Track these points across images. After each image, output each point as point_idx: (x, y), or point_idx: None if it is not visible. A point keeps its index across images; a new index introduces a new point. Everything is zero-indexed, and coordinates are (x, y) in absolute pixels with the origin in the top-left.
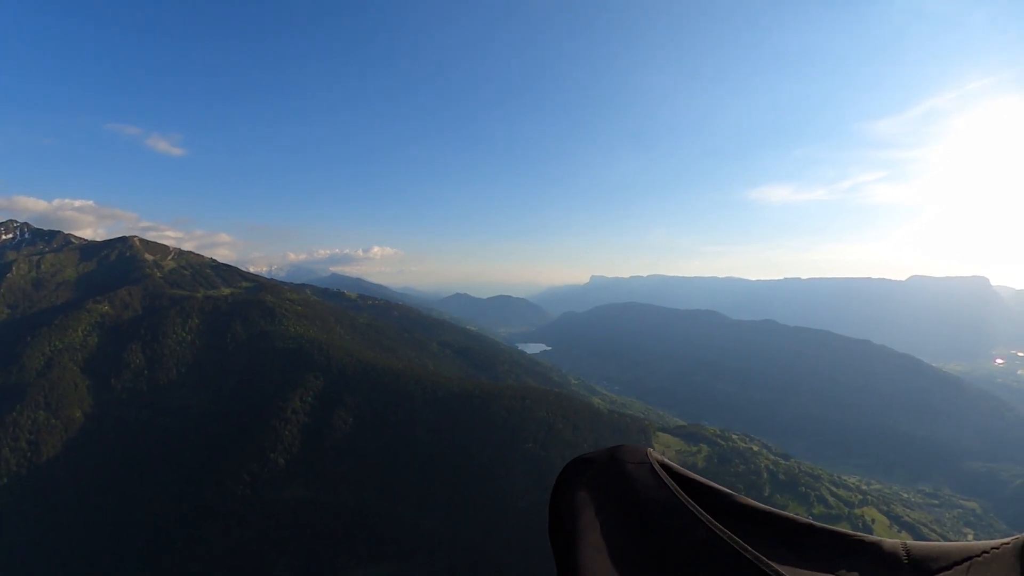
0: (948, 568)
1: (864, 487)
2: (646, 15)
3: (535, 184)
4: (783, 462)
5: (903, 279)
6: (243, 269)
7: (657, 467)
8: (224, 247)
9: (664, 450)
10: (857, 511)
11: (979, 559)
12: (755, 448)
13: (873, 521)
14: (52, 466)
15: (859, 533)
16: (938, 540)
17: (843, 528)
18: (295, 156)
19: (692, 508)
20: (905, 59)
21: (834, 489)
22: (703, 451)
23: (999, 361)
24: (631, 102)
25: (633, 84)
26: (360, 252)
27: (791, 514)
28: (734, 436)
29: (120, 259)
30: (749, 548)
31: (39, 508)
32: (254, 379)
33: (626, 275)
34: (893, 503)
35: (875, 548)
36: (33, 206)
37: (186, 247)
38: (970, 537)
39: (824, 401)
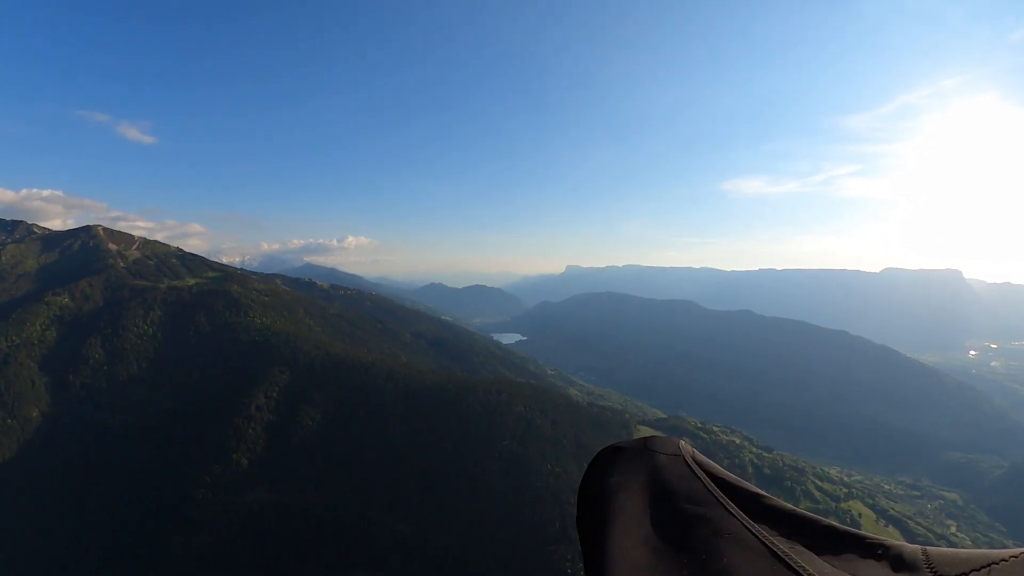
0: (967, 574)
1: (846, 479)
2: (619, 4)
3: (510, 174)
4: (767, 455)
5: (877, 271)
6: (214, 260)
7: (690, 460)
8: (196, 237)
9: None
10: (843, 505)
11: (998, 566)
12: (737, 441)
13: (860, 515)
14: (7, 468)
15: (879, 537)
16: (924, 533)
17: (865, 532)
18: (268, 145)
19: (724, 502)
20: (880, 55)
21: (819, 483)
22: None
23: (972, 353)
24: (604, 92)
25: (606, 74)
26: (335, 242)
27: (815, 516)
28: (716, 428)
29: (83, 249)
30: (779, 546)
31: None
32: (217, 374)
33: (602, 265)
34: (877, 496)
35: (895, 552)
36: (0, 196)
37: (158, 237)
38: (952, 528)
39: (801, 392)
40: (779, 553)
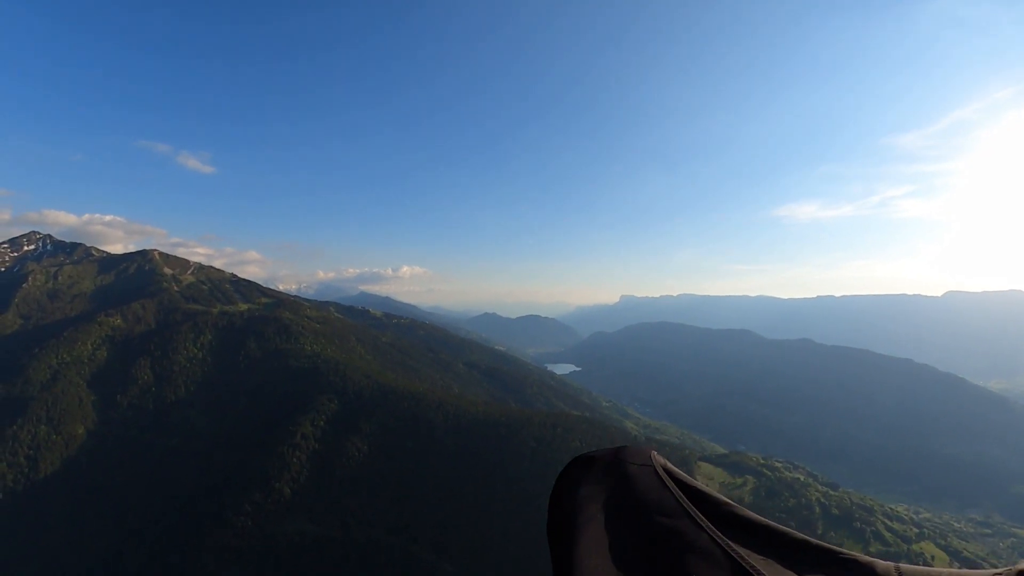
0: None
1: (915, 517)
2: (669, 32)
3: (563, 203)
4: (833, 493)
5: (939, 295)
6: (271, 287)
7: (660, 471)
8: (253, 265)
9: (708, 482)
10: (915, 547)
11: None
12: (802, 478)
13: (933, 557)
14: (49, 482)
15: (853, 552)
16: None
17: (837, 546)
18: (324, 174)
19: (693, 514)
20: (931, 70)
21: (888, 523)
22: (749, 483)
23: None
24: (656, 120)
25: (658, 101)
26: (389, 271)
27: (786, 528)
28: (779, 464)
29: (139, 272)
30: (747, 559)
31: (32, 526)
32: (265, 400)
33: (656, 295)
34: (948, 535)
35: (868, 569)
36: (64, 220)
37: (216, 264)
38: None
39: (865, 423)
40: (748, 568)
